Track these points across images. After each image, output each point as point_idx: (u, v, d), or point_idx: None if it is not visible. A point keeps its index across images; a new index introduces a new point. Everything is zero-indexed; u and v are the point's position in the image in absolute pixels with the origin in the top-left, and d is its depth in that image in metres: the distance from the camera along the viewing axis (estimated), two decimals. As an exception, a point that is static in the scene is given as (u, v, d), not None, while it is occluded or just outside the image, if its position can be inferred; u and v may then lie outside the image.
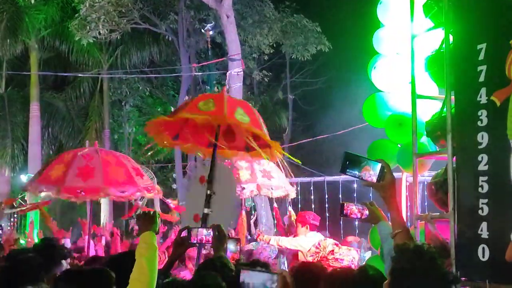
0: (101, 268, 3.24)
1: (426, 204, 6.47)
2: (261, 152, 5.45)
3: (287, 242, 7.42)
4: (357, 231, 10.57)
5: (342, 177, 11.73)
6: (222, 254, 3.92)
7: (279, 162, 6.51)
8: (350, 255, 6.31)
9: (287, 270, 4.44)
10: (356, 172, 3.24)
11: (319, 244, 6.41)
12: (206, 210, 5.36)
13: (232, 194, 5.60)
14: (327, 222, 11.51)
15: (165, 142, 5.75)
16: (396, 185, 5.26)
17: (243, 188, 8.46)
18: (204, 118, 5.13)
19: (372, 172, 3.24)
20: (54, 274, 3.57)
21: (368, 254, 8.85)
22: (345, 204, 3.39)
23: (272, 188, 8.74)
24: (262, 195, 9.61)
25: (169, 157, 20.99)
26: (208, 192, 5.38)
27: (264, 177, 8.60)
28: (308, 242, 7.05)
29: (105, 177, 7.40)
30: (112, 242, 9.41)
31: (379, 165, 3.23)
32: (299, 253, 7.13)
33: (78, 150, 8.18)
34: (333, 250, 6.33)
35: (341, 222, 10.54)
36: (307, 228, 7.31)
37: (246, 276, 2.42)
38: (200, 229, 4.48)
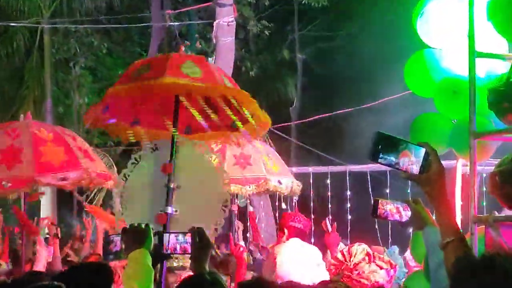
0: None
1: (484, 203, 6.51)
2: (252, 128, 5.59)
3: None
4: (390, 239, 10.58)
5: (370, 166, 11.76)
6: (212, 270, 3.94)
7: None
8: (377, 276, 6.27)
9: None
10: (392, 159, 3.17)
11: (348, 250, 6.39)
12: (169, 209, 5.33)
13: (212, 187, 5.56)
14: (348, 228, 11.60)
15: (123, 134, 5.82)
16: (448, 176, 5.31)
17: (279, 181, 8.64)
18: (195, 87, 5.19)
19: (413, 159, 3.20)
20: None
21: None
22: (379, 201, 3.37)
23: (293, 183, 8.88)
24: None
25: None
26: (172, 185, 5.36)
27: (237, 165, 8.49)
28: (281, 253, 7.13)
29: (36, 160, 7.35)
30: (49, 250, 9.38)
31: (422, 151, 3.19)
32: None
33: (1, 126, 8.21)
34: (359, 263, 6.31)
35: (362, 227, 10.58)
36: (284, 233, 7.39)
37: None
38: (172, 236, 4.50)
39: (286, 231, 7.37)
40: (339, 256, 6.33)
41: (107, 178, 7.81)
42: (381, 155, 3.12)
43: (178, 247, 4.47)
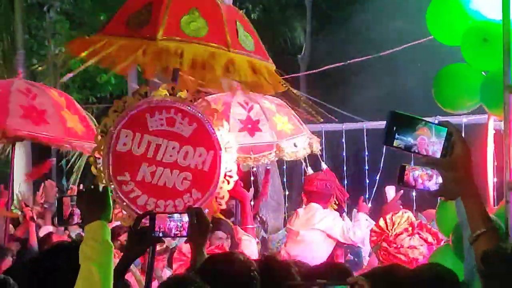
0: None
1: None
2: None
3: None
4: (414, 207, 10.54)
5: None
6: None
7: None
8: (416, 252, 6.24)
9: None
10: (410, 140, 3.12)
11: (391, 218, 6.33)
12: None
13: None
14: (366, 193, 11.61)
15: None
16: (478, 135, 5.29)
17: (296, 145, 8.49)
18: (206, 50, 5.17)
19: (434, 140, 3.14)
20: None
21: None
22: (406, 166, 3.33)
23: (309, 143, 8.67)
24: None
25: (120, 91, 20.81)
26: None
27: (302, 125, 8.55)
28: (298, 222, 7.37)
29: (63, 125, 7.63)
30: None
31: (444, 130, 3.15)
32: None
33: (8, 82, 8.37)
34: (400, 233, 6.26)
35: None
36: (303, 200, 7.67)
37: None
38: (165, 215, 4.48)
39: (304, 198, 7.48)
40: (382, 223, 6.35)
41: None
42: (396, 136, 3.10)
43: (173, 229, 4.45)
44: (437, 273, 3.21)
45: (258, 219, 11.27)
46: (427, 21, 5.72)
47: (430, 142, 3.05)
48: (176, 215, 4.41)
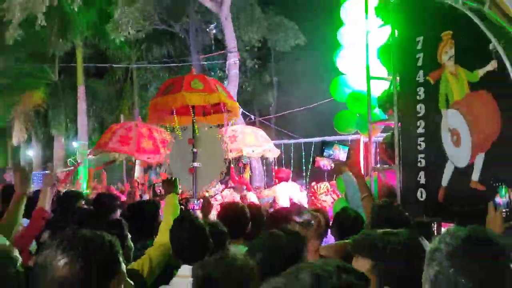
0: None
1: (378, 159, 6.52)
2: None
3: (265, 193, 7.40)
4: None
5: (315, 140, 11.68)
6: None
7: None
8: (329, 202, 6.22)
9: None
10: (331, 152, 3.27)
11: (318, 185, 6.28)
12: (195, 164, 5.31)
13: (218, 151, 5.48)
14: (303, 173, 11.50)
15: (168, 123, 5.68)
16: (355, 145, 5.27)
17: (253, 150, 8.14)
18: (200, 97, 5.05)
19: (342, 153, 3.27)
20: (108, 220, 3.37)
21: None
22: (316, 158, 3.42)
23: (264, 151, 8.44)
24: (255, 156, 9.27)
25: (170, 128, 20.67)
26: (194, 150, 5.34)
27: (265, 142, 8.23)
28: (278, 191, 7.02)
29: (138, 145, 7.37)
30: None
31: (346, 148, 3.29)
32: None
33: (124, 124, 8.13)
34: (322, 193, 6.22)
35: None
36: (275, 181, 7.31)
37: None
38: (192, 199, 4.46)
39: (276, 180, 7.36)
40: (314, 187, 6.34)
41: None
42: (324, 151, 3.21)
43: (195, 207, 4.48)
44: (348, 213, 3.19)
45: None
46: (330, 90, 5.69)
47: (340, 153, 3.14)
48: (196, 200, 4.43)
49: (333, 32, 5.58)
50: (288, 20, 17.60)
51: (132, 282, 1.32)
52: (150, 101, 5.64)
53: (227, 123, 5.75)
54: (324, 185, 6.41)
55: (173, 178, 3.35)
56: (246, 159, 10.25)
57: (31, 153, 23.17)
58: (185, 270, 2.28)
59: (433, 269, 1.23)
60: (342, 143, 3.41)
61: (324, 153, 3.28)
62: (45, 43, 17.50)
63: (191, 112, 5.32)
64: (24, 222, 3.06)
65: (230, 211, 3.23)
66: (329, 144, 3.31)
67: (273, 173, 8.10)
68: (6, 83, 18.99)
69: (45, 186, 3.11)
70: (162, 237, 2.75)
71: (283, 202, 6.88)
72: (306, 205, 5.98)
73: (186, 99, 5.03)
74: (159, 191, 9.64)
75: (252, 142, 8.05)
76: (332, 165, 3.46)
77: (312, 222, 2.46)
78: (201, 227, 2.46)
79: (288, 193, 7.10)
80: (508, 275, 1.17)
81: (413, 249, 1.58)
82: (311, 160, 3.31)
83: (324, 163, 3.48)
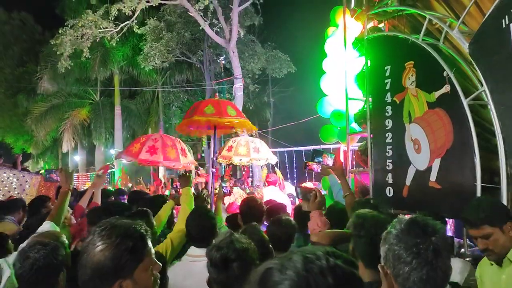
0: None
1: (354, 163, 6.50)
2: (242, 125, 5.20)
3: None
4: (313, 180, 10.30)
5: (305, 148, 11.58)
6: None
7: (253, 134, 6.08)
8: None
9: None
10: (320, 159, 3.26)
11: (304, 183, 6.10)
12: (213, 170, 5.24)
13: None
14: (294, 175, 11.37)
15: (192, 133, 5.70)
16: (336, 152, 5.23)
17: (240, 159, 7.72)
18: (208, 119, 4.92)
19: (329, 160, 3.25)
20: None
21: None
22: (307, 162, 3.39)
23: (259, 160, 7.95)
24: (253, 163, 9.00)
25: (197, 138, 20.62)
26: (214, 157, 5.36)
27: (255, 152, 7.78)
28: (265, 192, 6.83)
29: (164, 154, 7.12)
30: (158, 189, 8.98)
31: (333, 155, 3.29)
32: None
33: (150, 136, 8.00)
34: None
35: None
36: (265, 184, 7.03)
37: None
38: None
39: (266, 183, 7.16)
40: (301, 186, 6.10)
41: (188, 165, 7.22)
42: (315, 158, 3.20)
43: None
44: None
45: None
46: (316, 108, 5.66)
47: (328, 160, 3.13)
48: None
49: (319, 62, 5.61)
50: (282, 53, 17.87)
51: (160, 264, 1.30)
52: (181, 120, 5.40)
53: (238, 134, 5.58)
54: (309, 184, 6.38)
55: (188, 174, 3.30)
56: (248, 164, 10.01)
57: (77, 158, 23.38)
58: (194, 251, 2.28)
59: (384, 247, 1.30)
60: (327, 151, 3.43)
61: (315, 160, 3.27)
62: (89, 71, 17.76)
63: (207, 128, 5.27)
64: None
65: (250, 203, 3.18)
66: (319, 153, 3.30)
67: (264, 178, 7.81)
68: (58, 102, 19.28)
69: (98, 187, 3.18)
70: (181, 224, 2.72)
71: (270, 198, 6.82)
72: (288, 207, 5.76)
73: (200, 122, 4.98)
74: (175, 185, 9.46)
75: (243, 153, 7.66)
76: (320, 168, 3.43)
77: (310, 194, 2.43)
78: (211, 217, 2.45)
79: (273, 195, 7.02)
80: (436, 251, 1.23)
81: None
82: (302, 164, 3.28)
83: (314, 166, 3.46)
